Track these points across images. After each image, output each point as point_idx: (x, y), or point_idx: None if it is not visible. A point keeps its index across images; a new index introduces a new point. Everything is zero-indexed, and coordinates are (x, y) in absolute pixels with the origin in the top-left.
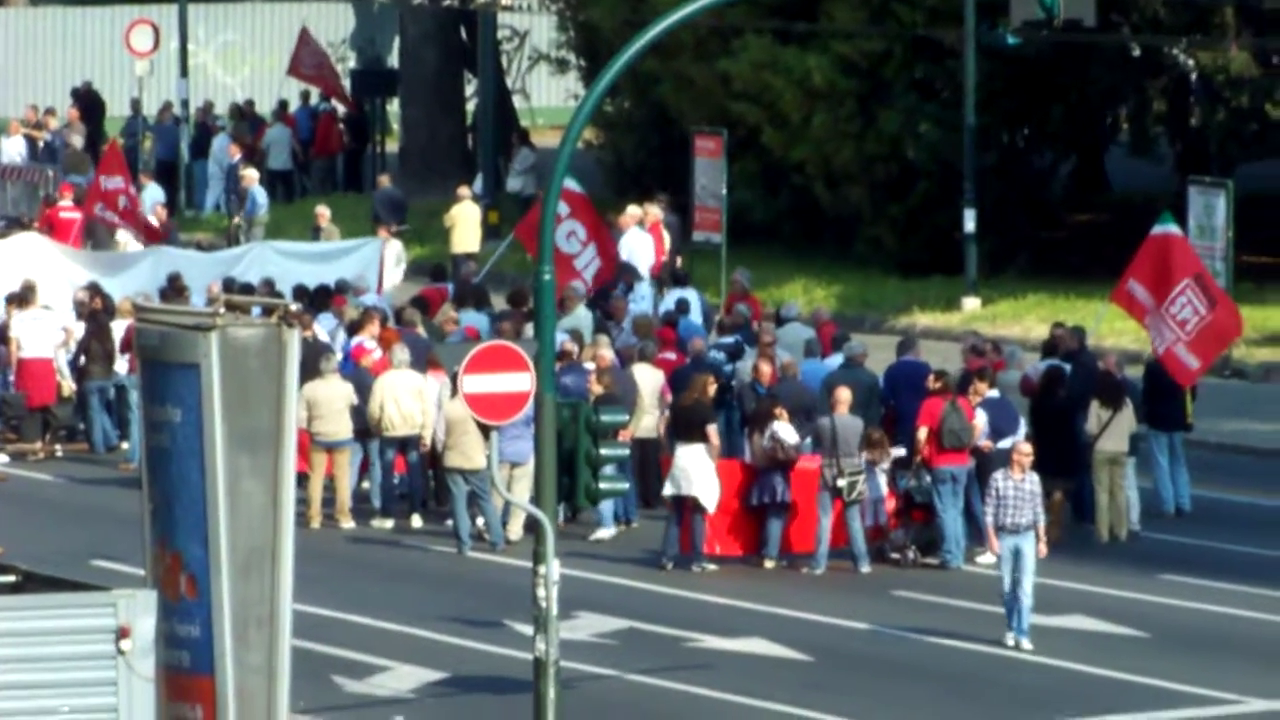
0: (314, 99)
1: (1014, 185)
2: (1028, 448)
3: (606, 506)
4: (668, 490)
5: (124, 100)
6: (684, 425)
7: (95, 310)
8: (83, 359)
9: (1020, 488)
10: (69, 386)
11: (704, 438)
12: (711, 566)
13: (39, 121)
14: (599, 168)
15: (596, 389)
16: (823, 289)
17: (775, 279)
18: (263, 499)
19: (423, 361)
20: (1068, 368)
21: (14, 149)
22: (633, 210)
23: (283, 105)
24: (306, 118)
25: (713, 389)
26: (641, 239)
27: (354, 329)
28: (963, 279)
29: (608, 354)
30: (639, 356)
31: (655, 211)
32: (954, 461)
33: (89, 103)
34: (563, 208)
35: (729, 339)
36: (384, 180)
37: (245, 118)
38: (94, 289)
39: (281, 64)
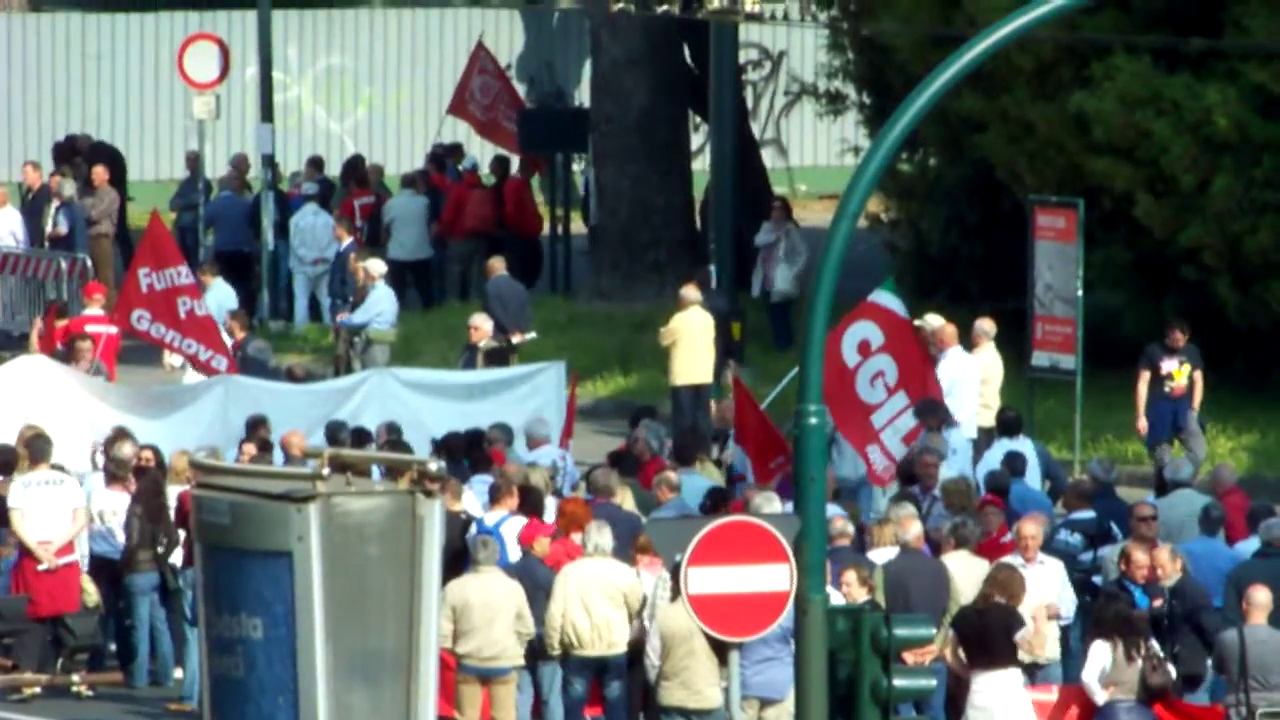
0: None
1: None
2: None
3: None
4: None
5: (175, 156)
6: (980, 642)
7: (144, 469)
8: (130, 540)
9: None
10: (92, 594)
11: (1011, 659)
12: None
13: (45, 186)
14: (889, 255)
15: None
16: (1229, 439)
17: None
18: None
19: (627, 546)
20: None
21: (5, 226)
22: (933, 319)
23: (436, 160)
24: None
25: (1024, 588)
26: (967, 365)
27: (529, 502)
28: None
29: (915, 531)
30: (954, 541)
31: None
32: None
33: (95, 158)
34: (874, 332)
35: (1085, 513)
36: (497, 266)
37: (363, 182)
38: (127, 437)
39: (413, 99)
